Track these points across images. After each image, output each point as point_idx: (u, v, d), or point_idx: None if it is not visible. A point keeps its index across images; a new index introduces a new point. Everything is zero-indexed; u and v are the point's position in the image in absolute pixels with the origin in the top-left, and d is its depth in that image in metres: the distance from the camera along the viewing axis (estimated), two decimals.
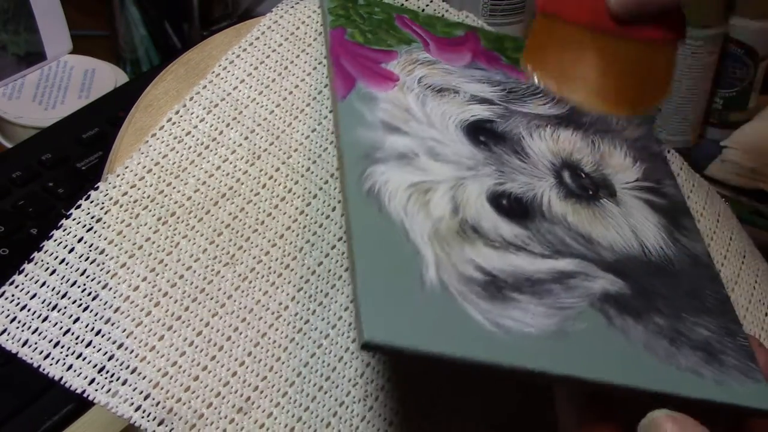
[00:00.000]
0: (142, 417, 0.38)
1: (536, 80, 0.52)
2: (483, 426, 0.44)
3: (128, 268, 0.41)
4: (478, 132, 0.47)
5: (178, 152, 0.45)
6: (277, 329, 0.41)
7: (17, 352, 0.38)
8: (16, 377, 0.52)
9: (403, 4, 0.55)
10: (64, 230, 0.41)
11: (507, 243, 0.42)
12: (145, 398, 0.38)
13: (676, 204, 0.49)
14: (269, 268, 0.43)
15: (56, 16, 0.78)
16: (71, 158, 0.66)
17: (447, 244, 0.40)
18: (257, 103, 0.48)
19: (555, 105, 0.51)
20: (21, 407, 0.52)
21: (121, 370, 0.38)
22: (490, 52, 0.53)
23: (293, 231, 0.44)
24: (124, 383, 0.38)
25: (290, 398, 0.40)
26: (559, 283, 0.41)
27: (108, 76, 0.78)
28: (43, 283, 0.39)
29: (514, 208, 0.43)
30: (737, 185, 0.70)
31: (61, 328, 0.39)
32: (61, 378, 0.38)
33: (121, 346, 0.39)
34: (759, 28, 0.72)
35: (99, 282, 0.40)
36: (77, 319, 0.39)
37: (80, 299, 0.39)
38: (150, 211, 0.42)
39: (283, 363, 0.41)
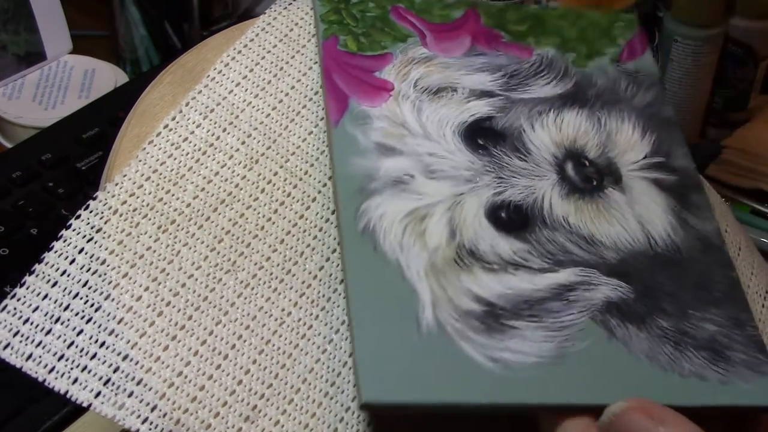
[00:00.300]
0: (150, 429, 0.37)
1: None
2: (485, 419, 0.43)
3: (130, 278, 0.40)
4: (477, 134, 0.46)
5: (175, 159, 0.44)
6: (280, 336, 0.41)
7: (21, 367, 0.38)
8: (16, 378, 0.52)
9: None
10: (64, 241, 0.41)
11: (505, 263, 0.42)
12: (152, 410, 0.38)
13: (686, 178, 0.48)
14: (271, 274, 0.43)
15: (56, 16, 0.78)
16: (71, 158, 0.66)
17: (443, 276, 0.40)
18: (253, 107, 0.48)
19: (560, 82, 0.51)
20: (21, 407, 0.52)
21: (127, 381, 0.38)
22: (491, 30, 0.52)
23: (293, 236, 0.44)
24: (130, 395, 0.38)
25: (296, 405, 0.40)
26: (560, 299, 0.41)
27: (108, 76, 0.78)
28: (45, 296, 0.39)
29: (513, 219, 0.43)
30: (737, 185, 0.71)
31: (65, 341, 0.38)
32: (67, 392, 0.37)
33: (126, 357, 0.39)
34: (759, 28, 0.72)
35: (101, 293, 0.40)
36: (81, 332, 0.39)
37: (83, 311, 0.39)
38: (150, 219, 0.42)
39: (288, 370, 0.41)
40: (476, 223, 0.43)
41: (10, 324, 0.38)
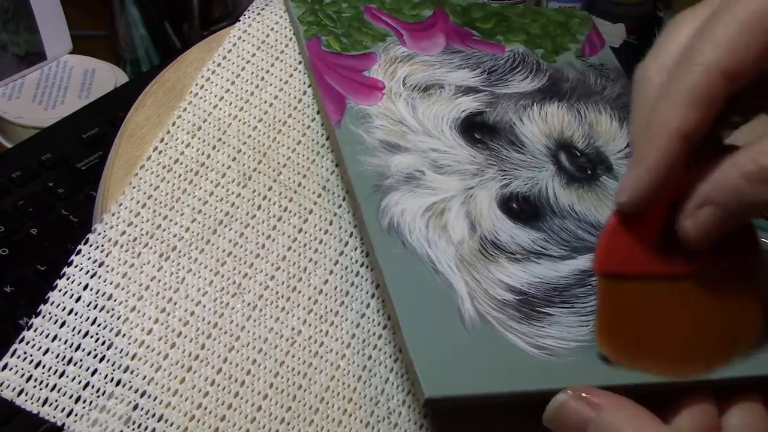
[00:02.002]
0: None
1: (617, 362, 0.40)
2: (511, 419, 0.44)
3: (139, 312, 0.40)
4: (472, 129, 0.47)
5: (169, 182, 0.44)
6: (293, 356, 0.41)
7: (38, 413, 0.37)
8: None
9: None
10: (67, 278, 0.40)
11: (528, 252, 0.42)
12: None
13: None
14: (277, 293, 0.42)
15: (56, 16, 0.78)
16: (71, 158, 0.65)
17: (474, 268, 0.41)
18: (240, 120, 0.47)
19: (535, 77, 0.52)
20: (21, 408, 0.51)
21: (148, 419, 0.38)
22: (461, 29, 0.53)
23: (294, 251, 0.44)
24: None
25: (317, 426, 0.40)
26: (583, 284, 0.42)
27: (108, 76, 0.77)
28: (55, 337, 0.38)
29: (525, 209, 0.44)
30: None
31: (80, 382, 0.38)
32: None
33: (143, 394, 0.38)
34: None
35: (112, 329, 0.39)
36: (95, 371, 0.38)
37: (95, 350, 0.39)
38: (151, 248, 0.42)
39: (305, 390, 0.40)
40: (492, 216, 0.44)
41: (22, 369, 0.38)
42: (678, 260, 0.40)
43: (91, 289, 0.40)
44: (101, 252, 0.41)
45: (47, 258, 0.58)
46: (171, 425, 0.38)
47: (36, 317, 0.39)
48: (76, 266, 0.40)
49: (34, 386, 0.37)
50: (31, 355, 0.38)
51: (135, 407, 0.38)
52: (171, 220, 0.43)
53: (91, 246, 0.41)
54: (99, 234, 0.41)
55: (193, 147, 0.45)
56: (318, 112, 0.48)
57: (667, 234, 0.39)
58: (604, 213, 0.46)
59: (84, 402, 0.37)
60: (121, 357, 0.39)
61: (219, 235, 0.43)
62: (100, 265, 0.40)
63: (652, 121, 0.37)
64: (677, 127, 0.37)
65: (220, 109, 0.47)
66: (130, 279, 0.40)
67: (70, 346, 0.38)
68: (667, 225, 0.39)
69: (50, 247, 0.59)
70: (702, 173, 0.37)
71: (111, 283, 0.40)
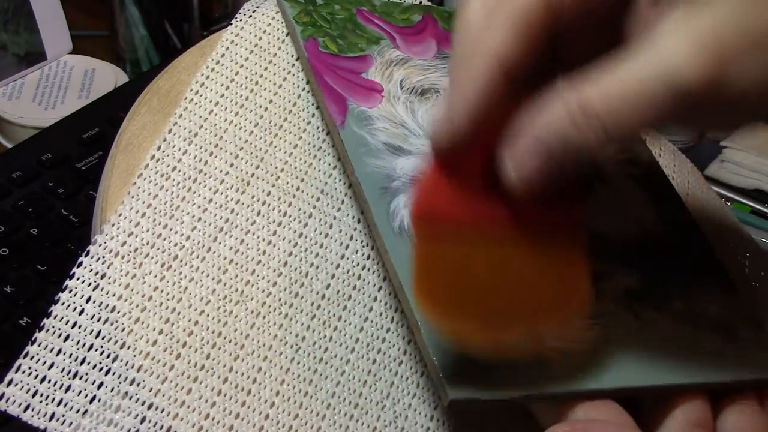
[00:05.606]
0: None
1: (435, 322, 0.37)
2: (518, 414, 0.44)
3: (143, 323, 0.40)
4: None
5: (167, 190, 0.43)
6: (298, 363, 0.41)
7: (45, 428, 0.37)
8: None
9: None
10: (69, 292, 0.39)
11: None
12: None
13: (653, 172, 0.50)
14: (279, 299, 0.42)
15: (56, 16, 0.78)
16: (71, 158, 0.65)
17: None
18: (236, 125, 0.47)
19: None
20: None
21: (156, 431, 0.38)
22: (450, 33, 0.53)
23: (296, 256, 0.44)
24: None
25: None
26: None
27: (108, 76, 0.78)
28: (59, 351, 0.38)
29: None
30: (737, 185, 0.72)
31: (86, 396, 0.38)
32: None
33: (150, 406, 0.38)
34: None
35: (116, 342, 0.39)
36: (101, 385, 0.38)
37: (100, 363, 0.38)
38: (152, 258, 0.41)
39: (311, 397, 0.40)
40: None
41: (27, 384, 0.37)
42: (500, 209, 0.37)
43: (93, 302, 0.39)
44: (103, 263, 0.40)
45: (47, 258, 0.58)
46: None
47: (39, 331, 0.38)
48: (77, 278, 0.40)
49: (41, 401, 0.37)
50: (36, 370, 0.38)
51: (143, 420, 0.38)
52: (171, 229, 0.42)
53: (92, 258, 0.40)
54: (100, 245, 0.41)
55: (190, 154, 0.45)
56: (314, 116, 0.48)
57: (491, 183, 0.36)
58: (603, 220, 0.46)
59: (91, 416, 0.37)
60: (127, 369, 0.38)
61: (219, 243, 0.43)
62: (102, 277, 0.40)
63: (470, 50, 0.35)
64: (494, 48, 0.34)
65: (216, 114, 0.47)
66: (132, 290, 0.40)
67: (75, 360, 0.38)
68: (492, 173, 0.36)
69: (50, 247, 0.59)
70: (529, 114, 0.34)
71: (114, 295, 0.40)
